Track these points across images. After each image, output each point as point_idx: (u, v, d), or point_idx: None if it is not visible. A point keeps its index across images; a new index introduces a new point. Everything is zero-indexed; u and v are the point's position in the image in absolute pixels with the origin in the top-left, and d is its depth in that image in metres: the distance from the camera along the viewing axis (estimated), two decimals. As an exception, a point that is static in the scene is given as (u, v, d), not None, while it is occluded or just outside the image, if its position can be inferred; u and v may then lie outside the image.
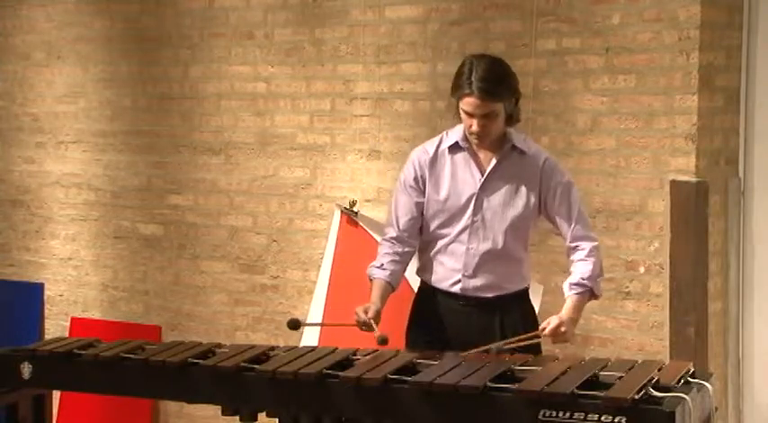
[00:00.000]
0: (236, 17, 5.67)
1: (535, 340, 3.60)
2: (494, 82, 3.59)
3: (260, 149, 5.64)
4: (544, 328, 3.57)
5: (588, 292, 3.68)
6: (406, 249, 3.80)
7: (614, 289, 4.77)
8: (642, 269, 4.72)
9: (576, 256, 3.71)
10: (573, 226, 3.71)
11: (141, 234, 6.03)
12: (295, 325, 3.82)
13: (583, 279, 3.66)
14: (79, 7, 6.17)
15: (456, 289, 3.73)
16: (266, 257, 5.65)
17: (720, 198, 4.74)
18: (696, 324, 4.56)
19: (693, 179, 4.58)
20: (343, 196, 5.31)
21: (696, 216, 4.58)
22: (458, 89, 3.63)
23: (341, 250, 5.11)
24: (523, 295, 3.81)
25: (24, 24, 6.38)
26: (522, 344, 3.56)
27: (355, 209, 5.17)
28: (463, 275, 3.72)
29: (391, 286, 3.76)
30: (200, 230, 5.83)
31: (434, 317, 3.77)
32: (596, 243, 3.74)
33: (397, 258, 3.78)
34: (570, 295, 3.66)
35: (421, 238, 3.82)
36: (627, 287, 4.76)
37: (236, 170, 5.71)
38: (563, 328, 3.55)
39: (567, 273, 4.82)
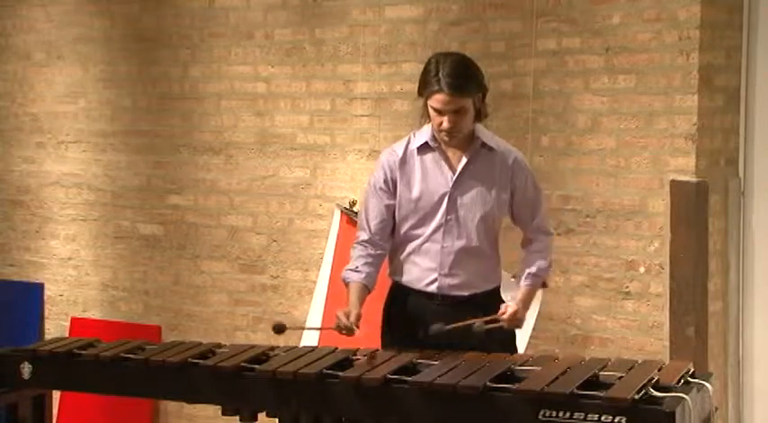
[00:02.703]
0: (236, 17, 5.67)
1: (497, 324, 3.65)
2: (462, 77, 3.61)
3: (260, 149, 5.64)
4: (503, 313, 3.65)
5: (540, 282, 3.85)
6: (379, 252, 3.80)
7: (614, 289, 4.78)
8: (642, 269, 4.72)
9: (534, 247, 3.83)
10: (535, 220, 3.83)
11: (141, 234, 6.03)
12: (280, 329, 3.80)
13: (540, 269, 3.80)
14: (79, 7, 6.17)
15: (432, 288, 3.74)
16: (266, 257, 5.65)
17: (720, 198, 4.75)
18: (696, 324, 4.56)
19: (693, 179, 4.59)
20: (343, 196, 5.31)
21: (696, 216, 4.58)
22: (426, 87, 3.65)
23: (341, 250, 5.11)
24: (496, 294, 3.84)
25: (24, 24, 6.38)
26: (488, 326, 3.65)
27: (355, 209, 5.17)
28: (439, 274, 3.73)
29: (367, 288, 3.76)
30: (201, 230, 5.83)
31: (409, 318, 3.76)
32: (552, 236, 3.92)
33: (370, 260, 3.78)
34: (526, 284, 3.78)
35: (393, 239, 3.82)
36: (627, 287, 4.76)
37: (236, 170, 5.71)
38: (518, 315, 3.68)
39: (565, 273, 4.85)
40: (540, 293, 4.67)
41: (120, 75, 6.05)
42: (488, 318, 3.63)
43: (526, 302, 3.74)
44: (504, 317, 3.64)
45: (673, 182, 4.61)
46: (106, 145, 6.11)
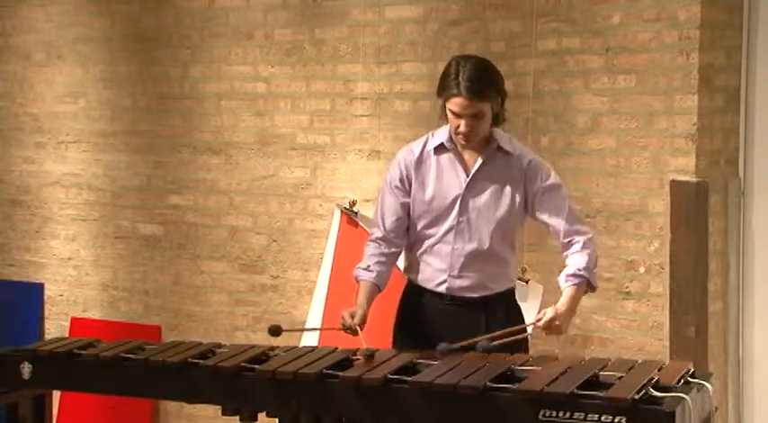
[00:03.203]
0: (236, 17, 5.67)
1: (524, 335, 3.57)
2: (481, 82, 3.60)
3: (260, 149, 5.64)
4: (539, 319, 3.54)
5: (584, 283, 3.66)
6: (393, 250, 3.81)
7: (614, 289, 4.77)
8: (642, 269, 4.72)
9: (570, 250, 3.70)
10: (564, 223, 3.71)
11: (141, 234, 6.03)
12: (276, 331, 3.80)
13: (579, 270, 3.64)
14: (79, 7, 6.17)
15: (442, 289, 3.74)
16: (266, 257, 5.65)
17: (720, 198, 4.75)
18: (696, 324, 4.56)
19: (693, 179, 4.59)
20: (343, 196, 5.31)
21: (696, 216, 4.58)
22: (445, 90, 3.63)
23: (341, 250, 5.11)
24: (509, 295, 3.82)
25: (24, 24, 6.38)
26: (511, 338, 3.53)
27: (355, 209, 5.17)
28: (449, 275, 3.73)
29: (378, 288, 3.76)
30: (201, 230, 5.83)
31: (421, 316, 3.77)
32: (590, 235, 3.74)
33: (383, 259, 3.78)
34: (567, 287, 3.64)
35: (408, 237, 3.82)
36: (627, 287, 4.76)
37: (236, 170, 5.71)
38: (557, 322, 3.53)
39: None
40: (539, 294, 4.68)
41: (120, 75, 6.05)
42: (518, 328, 3.57)
43: (568, 307, 3.58)
44: (540, 324, 3.53)
45: (673, 182, 4.61)
46: (106, 145, 6.12)
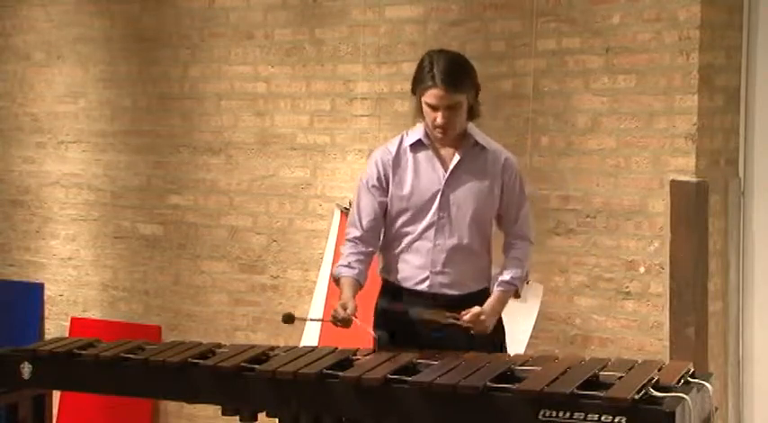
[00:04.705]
0: (236, 17, 5.67)
1: (454, 322, 3.62)
2: (456, 73, 3.63)
3: (260, 149, 5.64)
4: (467, 313, 3.62)
5: (513, 290, 3.81)
6: (369, 249, 3.81)
7: (614, 289, 4.78)
8: (642, 269, 4.72)
9: (511, 253, 3.82)
10: (517, 224, 3.82)
11: (141, 234, 6.03)
12: (289, 319, 3.82)
13: (513, 278, 3.77)
14: (79, 7, 6.17)
15: (423, 287, 3.74)
16: (266, 257, 5.65)
17: (720, 198, 4.75)
18: (696, 324, 4.56)
19: (693, 179, 4.59)
20: (343, 196, 5.31)
21: (696, 216, 4.58)
22: (420, 83, 3.66)
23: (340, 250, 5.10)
24: (487, 294, 3.82)
25: (24, 24, 6.38)
26: (442, 321, 3.62)
27: (355, 209, 5.16)
28: (431, 272, 3.74)
29: (359, 284, 3.76)
30: (201, 230, 5.83)
31: (401, 316, 3.75)
32: (532, 244, 3.89)
33: (362, 258, 3.79)
34: (498, 290, 3.75)
35: (384, 237, 3.83)
36: (627, 287, 4.76)
37: (236, 170, 5.71)
38: (482, 317, 3.63)
39: (565, 273, 4.85)
40: (539, 293, 4.69)
41: (120, 75, 6.05)
42: (449, 314, 3.62)
43: (494, 308, 3.70)
44: (466, 317, 3.61)
45: (673, 182, 4.61)
46: (106, 145, 6.12)
